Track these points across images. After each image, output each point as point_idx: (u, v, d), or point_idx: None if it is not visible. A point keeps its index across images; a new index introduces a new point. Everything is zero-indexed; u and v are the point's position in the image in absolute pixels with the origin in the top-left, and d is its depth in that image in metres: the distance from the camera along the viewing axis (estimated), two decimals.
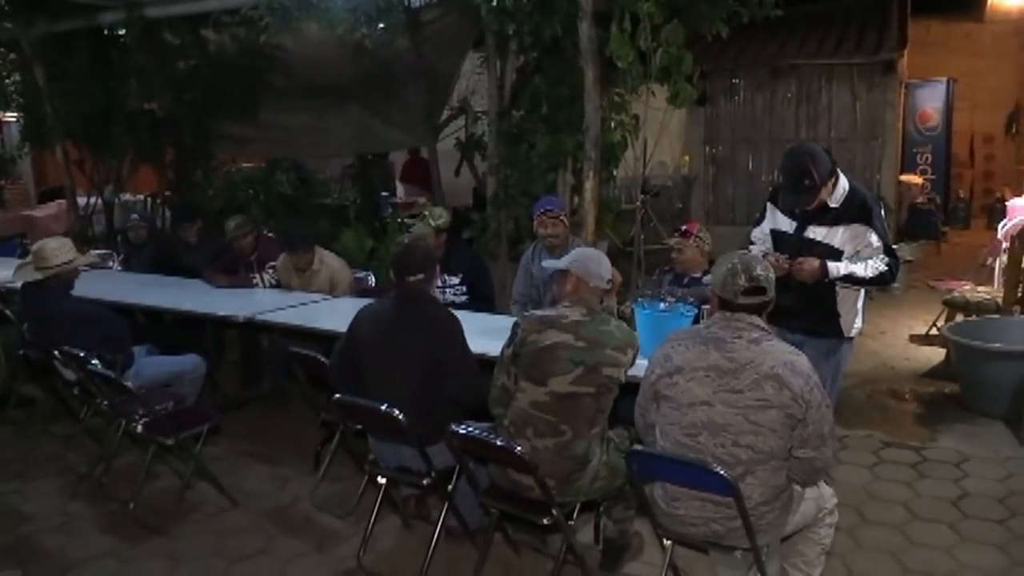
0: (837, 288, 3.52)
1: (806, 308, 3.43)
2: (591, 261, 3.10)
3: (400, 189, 11.18)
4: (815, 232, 3.49)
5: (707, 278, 3.79)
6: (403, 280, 3.36)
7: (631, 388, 3.29)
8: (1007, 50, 12.68)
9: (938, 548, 3.44)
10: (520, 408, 2.98)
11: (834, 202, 3.44)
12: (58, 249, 4.31)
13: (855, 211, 3.44)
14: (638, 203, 6.06)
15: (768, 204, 3.73)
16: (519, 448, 2.80)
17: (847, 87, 9.54)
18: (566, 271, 3.09)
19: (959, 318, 5.95)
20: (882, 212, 3.54)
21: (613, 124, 5.70)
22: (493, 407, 3.12)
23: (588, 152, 5.29)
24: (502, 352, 3.07)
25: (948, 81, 11.47)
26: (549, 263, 3.44)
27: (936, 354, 6.00)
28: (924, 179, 11.00)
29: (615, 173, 6.21)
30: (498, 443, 2.88)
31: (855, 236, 3.43)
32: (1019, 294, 5.74)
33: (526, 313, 3.16)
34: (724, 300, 2.62)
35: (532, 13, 5.35)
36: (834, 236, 3.46)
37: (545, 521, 2.91)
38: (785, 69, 9.80)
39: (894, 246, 3.55)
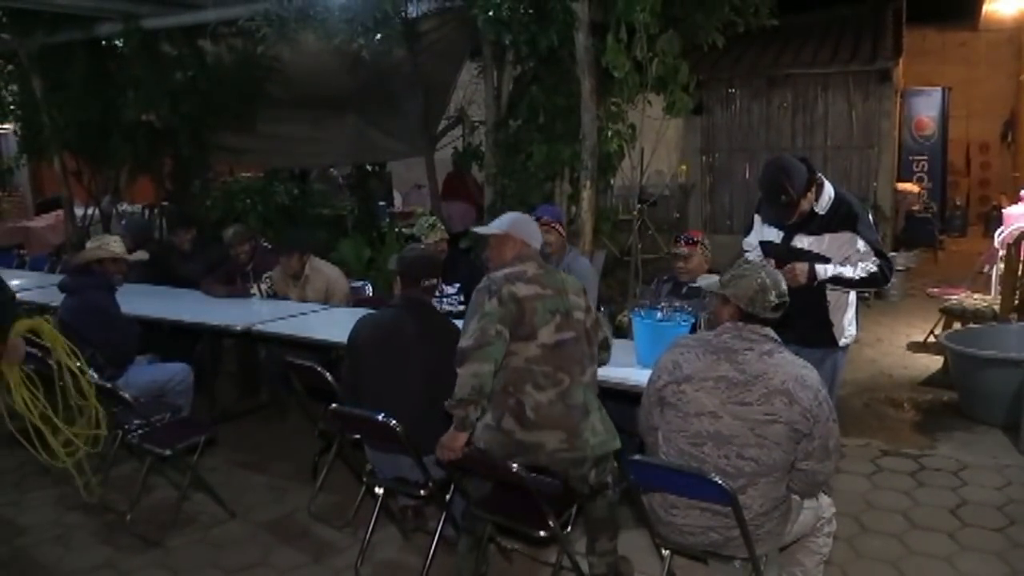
0: (828, 296, 3.54)
1: (798, 317, 3.43)
2: (528, 223, 3.15)
3: (396, 201, 11.18)
4: (801, 241, 3.53)
5: (702, 280, 3.79)
6: (417, 284, 3.38)
7: (624, 396, 3.29)
8: (1002, 59, 12.74)
9: (937, 557, 3.44)
10: (515, 367, 2.90)
11: (820, 209, 3.49)
12: (106, 244, 4.60)
13: (841, 219, 3.48)
14: (635, 212, 6.08)
15: (756, 216, 3.78)
16: (515, 466, 2.75)
17: (843, 96, 9.57)
18: (505, 235, 3.08)
19: (956, 326, 5.95)
20: (870, 217, 3.58)
21: (610, 133, 5.70)
22: (492, 357, 2.83)
23: (585, 162, 5.30)
24: (481, 304, 2.87)
25: (944, 90, 11.53)
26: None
27: (934, 362, 6.00)
28: (920, 187, 11.04)
29: (612, 182, 6.21)
30: (495, 463, 2.87)
31: (842, 243, 3.47)
32: (1016, 302, 5.74)
33: (482, 280, 3.02)
34: (747, 313, 2.60)
35: (529, 23, 5.37)
36: (820, 244, 3.50)
37: (542, 533, 2.88)
38: (781, 78, 9.83)
39: (891, 254, 3.57)
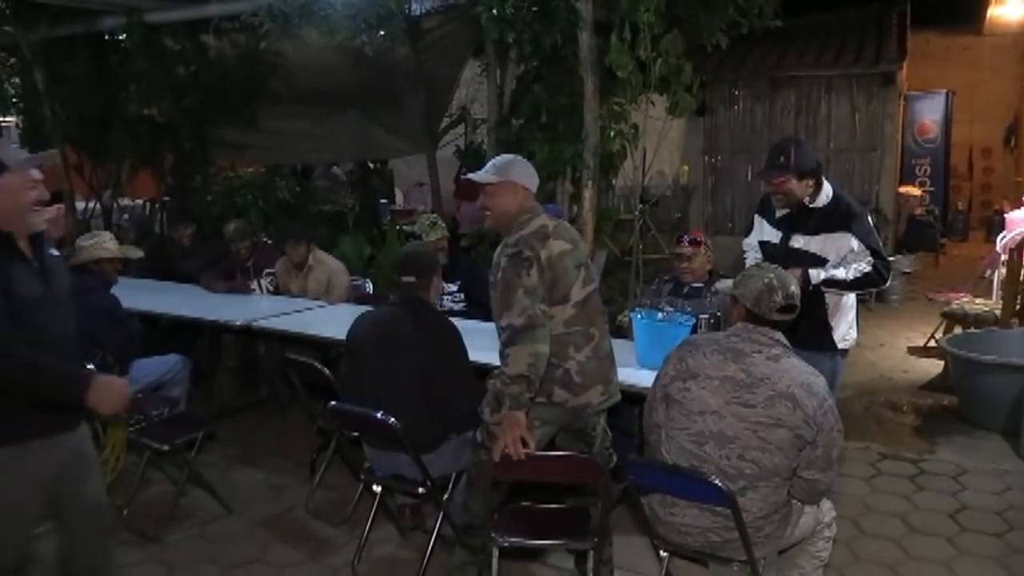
0: (828, 299, 3.53)
1: (798, 320, 3.43)
2: (525, 164, 2.97)
3: (398, 199, 11.17)
4: (799, 241, 3.54)
5: (720, 284, 3.79)
6: (401, 281, 3.38)
7: (623, 396, 3.28)
8: (1005, 63, 12.73)
9: (936, 561, 3.43)
10: (555, 335, 2.78)
11: (814, 204, 3.50)
12: (101, 242, 4.45)
13: (837, 219, 3.49)
14: (637, 212, 6.07)
15: (756, 216, 3.79)
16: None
17: (846, 98, 9.56)
18: (506, 183, 2.86)
19: (957, 330, 5.94)
20: (869, 218, 3.57)
21: (612, 133, 5.70)
22: (546, 338, 2.70)
23: (587, 161, 5.30)
24: (519, 275, 2.69)
25: (947, 93, 11.52)
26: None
27: (934, 366, 5.99)
28: (923, 191, 11.02)
29: (614, 182, 6.22)
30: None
31: (837, 243, 3.48)
32: (1017, 306, 5.73)
33: (509, 245, 2.82)
34: (755, 314, 2.60)
35: (532, 22, 5.37)
36: (817, 244, 3.51)
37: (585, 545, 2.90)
38: (784, 80, 9.82)
39: (892, 257, 3.57)
